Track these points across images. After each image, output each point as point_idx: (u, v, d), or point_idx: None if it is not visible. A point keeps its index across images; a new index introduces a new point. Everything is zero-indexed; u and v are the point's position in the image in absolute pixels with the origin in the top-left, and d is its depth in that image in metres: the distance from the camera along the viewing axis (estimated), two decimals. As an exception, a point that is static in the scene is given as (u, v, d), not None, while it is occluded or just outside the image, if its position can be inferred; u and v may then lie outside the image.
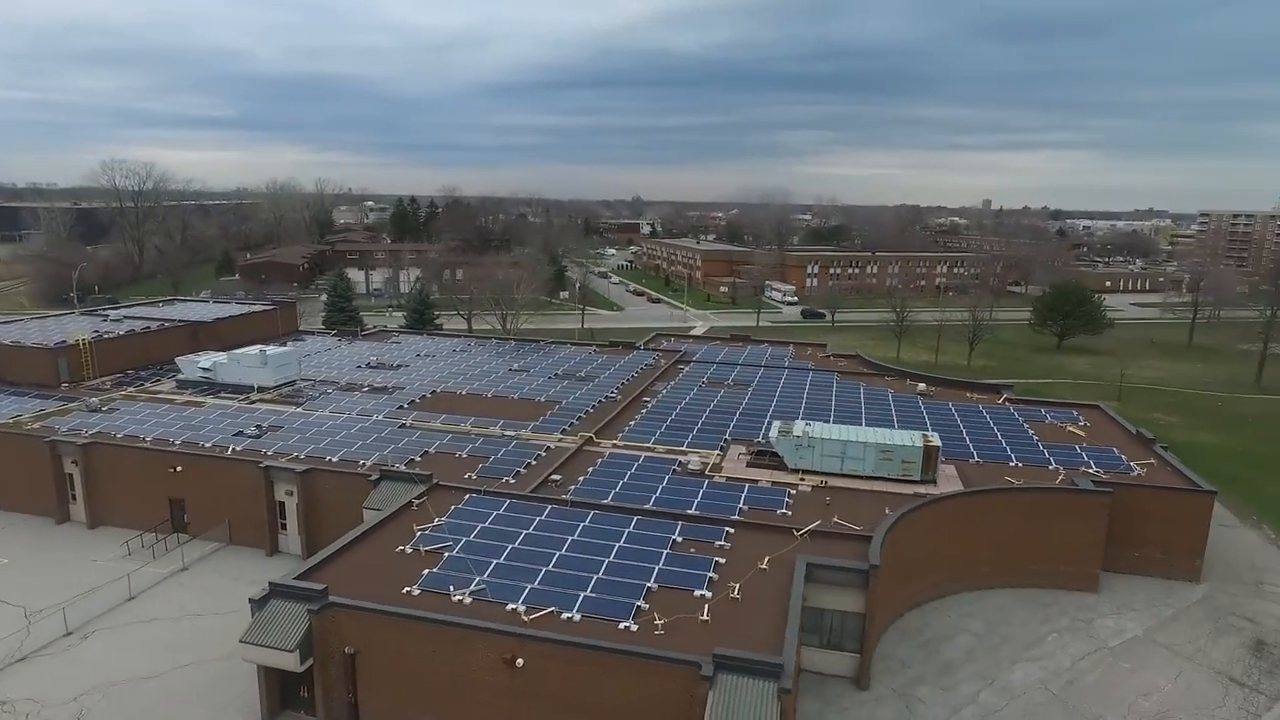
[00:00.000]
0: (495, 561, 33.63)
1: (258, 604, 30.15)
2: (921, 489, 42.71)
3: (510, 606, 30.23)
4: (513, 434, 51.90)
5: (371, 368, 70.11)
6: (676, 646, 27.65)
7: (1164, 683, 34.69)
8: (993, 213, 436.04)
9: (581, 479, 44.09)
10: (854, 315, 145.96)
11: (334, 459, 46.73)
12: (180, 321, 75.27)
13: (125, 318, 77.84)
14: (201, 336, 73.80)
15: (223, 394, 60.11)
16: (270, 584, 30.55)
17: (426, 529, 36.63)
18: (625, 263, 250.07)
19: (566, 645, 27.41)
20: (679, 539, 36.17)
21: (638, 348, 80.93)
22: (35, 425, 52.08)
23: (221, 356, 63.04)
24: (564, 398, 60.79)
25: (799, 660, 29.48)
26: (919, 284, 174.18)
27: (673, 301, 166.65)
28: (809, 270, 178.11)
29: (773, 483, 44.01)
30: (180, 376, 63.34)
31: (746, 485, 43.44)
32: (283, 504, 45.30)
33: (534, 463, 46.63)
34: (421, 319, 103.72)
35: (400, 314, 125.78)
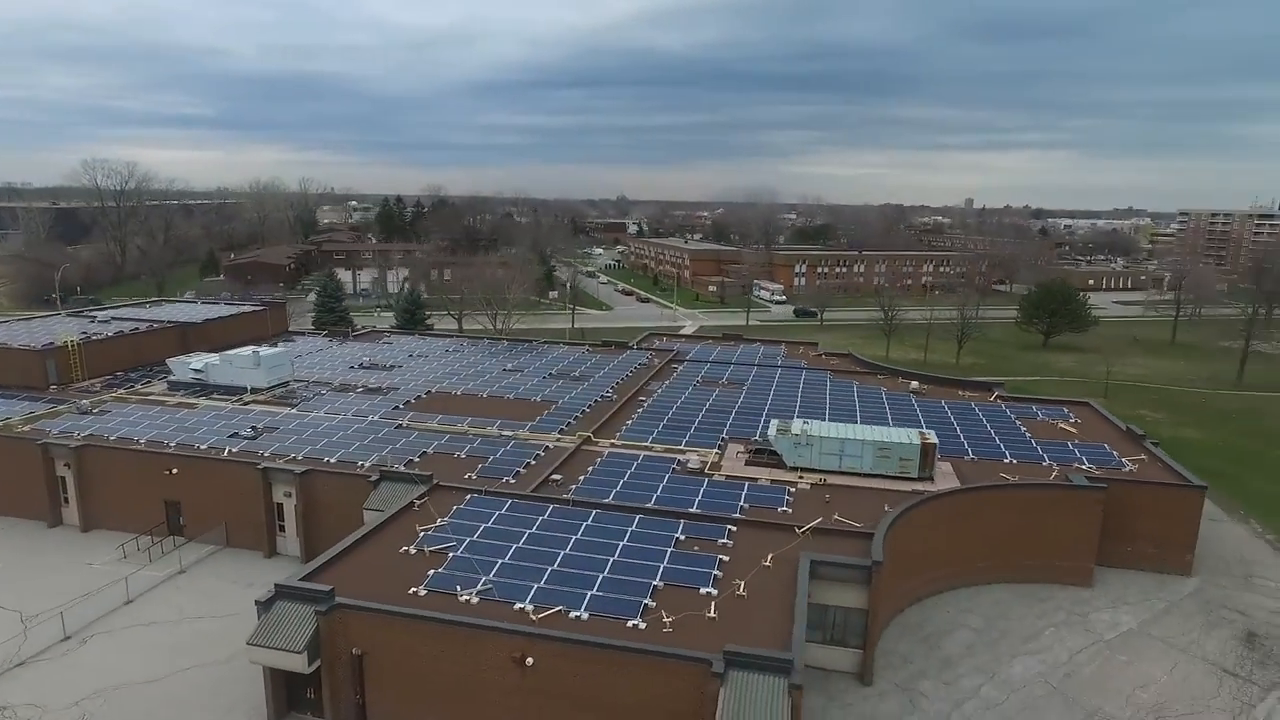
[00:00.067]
0: (500, 561, 33.66)
1: (264, 606, 30.03)
2: (919, 486, 43.15)
3: (518, 606, 30.28)
4: (510, 434, 51.89)
5: (364, 368, 69.80)
6: (685, 644, 27.82)
7: (1160, 674, 35.27)
8: (975, 212, 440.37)
9: (582, 478, 44.17)
10: (842, 314, 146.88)
11: (332, 460, 46.53)
12: (169, 322, 74.58)
13: (113, 319, 77.00)
14: (191, 338, 73.18)
15: (215, 395, 59.65)
16: (276, 585, 30.43)
17: (430, 529, 36.59)
18: (612, 262, 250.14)
19: (578, 644, 27.51)
20: (682, 537, 36.35)
21: (631, 347, 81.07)
22: (26, 428, 51.45)
23: (214, 357, 62.55)
24: (560, 397, 60.81)
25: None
26: (905, 283, 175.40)
27: (662, 301, 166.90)
28: (796, 269, 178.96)
29: (772, 481, 44.30)
30: (171, 378, 62.77)
31: (746, 483, 43.70)
32: (281, 505, 45.05)
33: (533, 462, 46.65)
34: (413, 319, 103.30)
35: (389, 314, 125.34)
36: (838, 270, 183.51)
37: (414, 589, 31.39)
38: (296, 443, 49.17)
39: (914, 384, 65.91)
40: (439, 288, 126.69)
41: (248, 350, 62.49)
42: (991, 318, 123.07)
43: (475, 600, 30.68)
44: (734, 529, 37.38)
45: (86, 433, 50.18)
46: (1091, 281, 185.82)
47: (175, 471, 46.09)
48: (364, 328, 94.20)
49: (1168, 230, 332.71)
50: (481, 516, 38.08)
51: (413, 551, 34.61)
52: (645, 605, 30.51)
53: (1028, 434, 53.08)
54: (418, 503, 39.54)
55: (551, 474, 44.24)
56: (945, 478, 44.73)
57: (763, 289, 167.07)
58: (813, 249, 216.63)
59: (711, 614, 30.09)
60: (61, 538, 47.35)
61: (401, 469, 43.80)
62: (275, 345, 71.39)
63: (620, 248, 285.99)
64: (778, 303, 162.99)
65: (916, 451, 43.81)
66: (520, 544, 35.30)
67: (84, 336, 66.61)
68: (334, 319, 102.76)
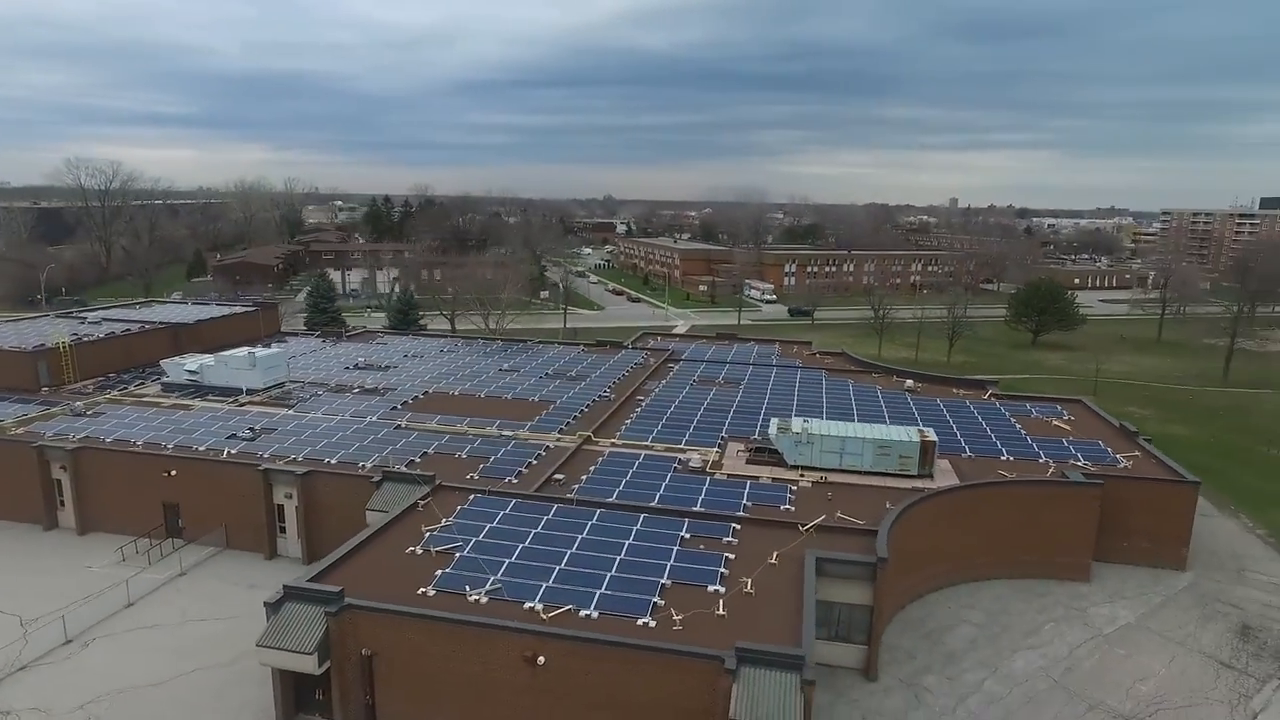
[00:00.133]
0: (507, 561, 33.71)
1: (272, 607, 29.94)
2: (919, 483, 43.56)
3: (528, 605, 30.35)
4: (510, 434, 51.89)
5: (360, 369, 69.53)
6: (696, 641, 28.01)
7: (1159, 667, 35.82)
8: (960, 211, 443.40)
9: (584, 478, 44.27)
10: (833, 313, 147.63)
11: (332, 461, 46.37)
12: (161, 323, 73.96)
13: (103, 320, 76.30)
14: (183, 339, 72.60)
15: (210, 397, 59.23)
16: (285, 587, 30.34)
17: (435, 529, 36.58)
18: (601, 262, 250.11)
19: (590, 642, 27.64)
20: (687, 536, 36.51)
21: (626, 346, 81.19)
22: (19, 430, 50.92)
23: (208, 358, 62.13)
24: (558, 397, 60.85)
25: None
26: (894, 282, 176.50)
27: (653, 300, 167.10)
28: (786, 269, 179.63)
29: (773, 479, 44.58)
30: (165, 379, 62.30)
31: (748, 482, 43.95)
32: (281, 507, 44.85)
33: (534, 462, 46.69)
34: (406, 319, 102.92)
35: (380, 315, 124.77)
36: (827, 270, 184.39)
37: (422, 589, 31.38)
38: (296, 444, 48.95)
39: (909, 382, 66.43)
40: (431, 288, 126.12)
41: (243, 351, 62.13)
42: (980, 316, 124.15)
43: (484, 600, 30.72)
44: (738, 527, 37.60)
45: (82, 435, 49.72)
46: (1077, 280, 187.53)
47: (174, 473, 45.79)
48: (356, 328, 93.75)
49: (1150, 229, 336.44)
50: (486, 516, 38.09)
51: (419, 552, 34.58)
52: (654, 603, 30.66)
53: (1023, 431, 53.66)
54: (421, 503, 39.48)
55: (554, 473, 44.31)
56: (944, 475, 45.17)
57: (753, 288, 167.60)
58: (802, 249, 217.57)
59: (720, 612, 30.29)
60: (58, 541, 46.91)
61: (403, 469, 43.71)
62: (268, 346, 71.00)
63: (609, 247, 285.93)
64: (768, 302, 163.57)
65: (916, 449, 44.22)
66: (526, 543, 35.35)
67: (75, 338, 65.96)
68: (326, 319, 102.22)
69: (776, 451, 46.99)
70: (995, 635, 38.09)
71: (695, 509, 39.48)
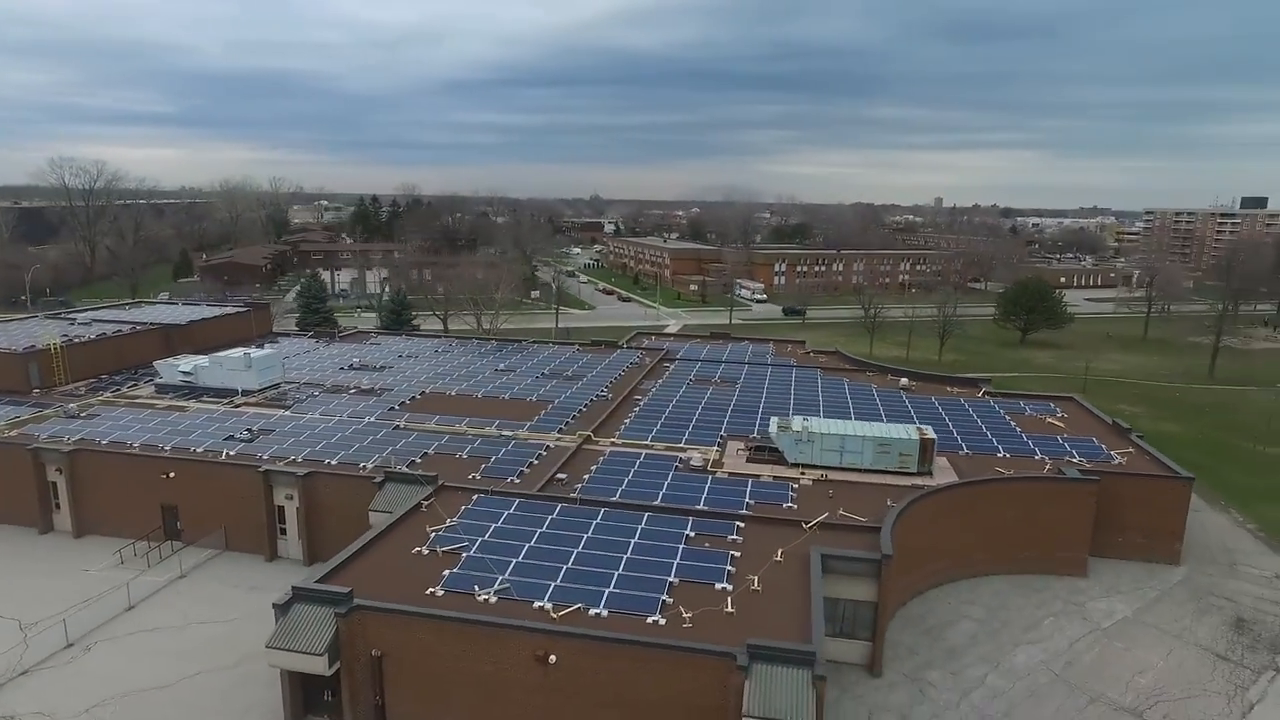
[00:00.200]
0: (514, 561, 33.75)
1: (281, 609, 29.85)
2: (918, 481, 43.96)
3: (537, 604, 30.42)
4: (510, 434, 51.88)
5: (355, 369, 69.24)
6: (706, 638, 28.18)
7: (1157, 660, 36.36)
8: (946, 211, 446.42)
9: (586, 477, 44.37)
10: (824, 312, 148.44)
11: (332, 462, 46.21)
12: (152, 324, 73.35)
13: (93, 320, 75.59)
14: (175, 340, 72.08)
15: (205, 398, 58.85)
16: (294, 588, 30.28)
17: (440, 530, 36.57)
18: (591, 261, 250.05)
19: (602, 640, 27.76)
20: (692, 534, 36.69)
21: (621, 346, 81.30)
22: (12, 433, 50.39)
23: (203, 360, 61.71)
24: (555, 397, 60.88)
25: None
26: (883, 281, 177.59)
27: (643, 300, 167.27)
28: (776, 268, 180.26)
29: (774, 477, 44.84)
30: (159, 380, 61.81)
31: (750, 480, 44.20)
32: (282, 508, 44.66)
33: (536, 462, 46.73)
34: (399, 319, 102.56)
35: (370, 315, 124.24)
36: (817, 269, 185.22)
37: (431, 589, 31.37)
38: (294, 445, 48.74)
39: (904, 381, 66.94)
40: (422, 288, 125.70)
41: (239, 352, 61.71)
42: (969, 315, 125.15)
43: (493, 600, 30.76)
44: (742, 525, 37.83)
45: (77, 437, 49.27)
46: (1063, 279, 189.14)
47: (172, 475, 45.48)
48: (348, 329, 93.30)
49: (1133, 229, 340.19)
50: (491, 516, 38.11)
51: (425, 552, 34.57)
52: (663, 601, 30.82)
53: (1017, 429, 54.22)
54: (425, 504, 39.46)
55: (556, 473, 44.37)
56: (943, 472, 45.60)
57: (743, 288, 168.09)
58: (792, 248, 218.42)
59: (729, 609, 30.48)
60: (54, 544, 46.48)
61: (405, 470, 43.61)
62: (261, 347, 70.58)
63: (597, 247, 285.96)
64: (759, 301, 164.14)
65: (916, 447, 44.62)
66: (532, 543, 35.41)
67: (66, 339, 65.33)
68: (318, 320, 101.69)
69: (777, 450, 47.28)
70: (996, 630, 38.52)
71: (699, 507, 39.69)
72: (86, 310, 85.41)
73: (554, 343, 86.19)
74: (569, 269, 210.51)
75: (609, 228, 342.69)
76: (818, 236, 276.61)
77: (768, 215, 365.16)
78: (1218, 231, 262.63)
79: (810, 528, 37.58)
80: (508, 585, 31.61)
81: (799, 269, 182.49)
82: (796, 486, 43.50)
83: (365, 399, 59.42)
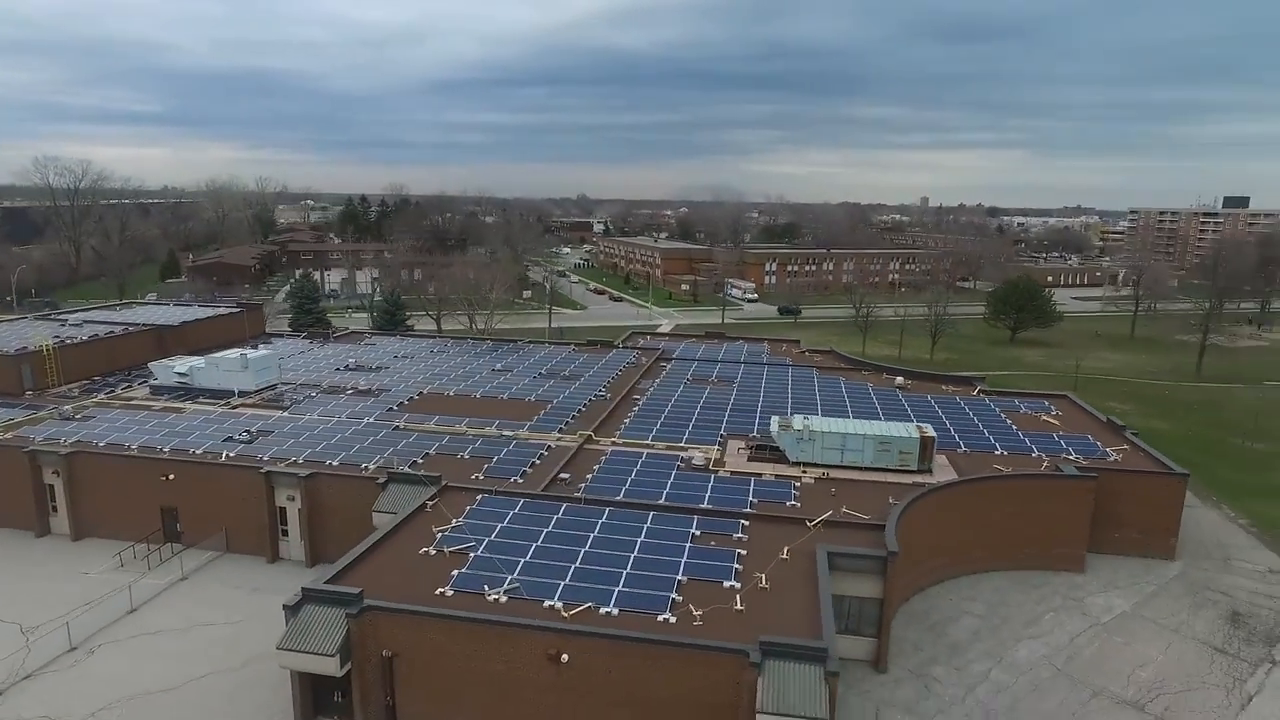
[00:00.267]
0: (522, 560, 33.82)
1: (291, 610, 29.79)
2: (919, 478, 44.35)
3: (547, 604, 30.51)
4: (511, 434, 51.89)
5: (351, 370, 68.99)
6: (717, 636, 28.37)
7: (1156, 654, 36.89)
8: (933, 210, 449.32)
9: (589, 477, 44.47)
10: (815, 311, 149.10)
11: (333, 463, 46.06)
12: (145, 325, 72.77)
13: (84, 322, 74.90)
14: (168, 341, 71.53)
15: (202, 399, 58.49)
16: (304, 589, 30.21)
17: (446, 530, 36.57)
18: (581, 261, 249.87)
19: (615, 639, 27.88)
20: (697, 532, 36.86)
21: (616, 346, 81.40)
22: (7, 435, 49.90)
23: (199, 361, 61.33)
24: (554, 397, 60.92)
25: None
26: (873, 280, 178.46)
27: (635, 300, 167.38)
28: (767, 268, 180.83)
29: (776, 475, 45.11)
30: (154, 382, 61.35)
31: (752, 479, 44.45)
32: (284, 510, 44.48)
33: (538, 462, 46.79)
34: (393, 320, 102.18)
35: (361, 315, 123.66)
36: (807, 269, 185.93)
37: (440, 590, 31.38)
38: (294, 446, 48.55)
39: (899, 379, 67.40)
40: (415, 288, 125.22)
41: (235, 353, 61.35)
42: (960, 314, 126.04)
43: (504, 599, 30.81)
44: (746, 523, 38.04)
45: (73, 439, 48.85)
46: (1050, 278, 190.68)
47: (172, 477, 45.18)
48: (341, 329, 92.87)
49: (1117, 228, 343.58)
50: (496, 516, 38.14)
51: (433, 553, 34.56)
52: (673, 600, 30.98)
53: (1013, 426, 54.77)
54: (429, 504, 39.44)
55: (559, 473, 44.44)
56: (942, 470, 46.03)
57: (734, 287, 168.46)
58: (782, 248, 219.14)
59: (739, 606, 30.68)
60: (51, 547, 46.08)
61: (408, 471, 43.54)
62: (255, 348, 70.16)
63: (587, 247, 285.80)
64: (750, 301, 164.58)
65: (916, 445, 45.01)
66: (539, 543, 35.48)
67: (57, 340, 64.70)
68: (311, 320, 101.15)
69: (777, 448, 47.56)
70: (997, 626, 38.95)
71: (703, 506, 39.88)
72: (76, 311, 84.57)
73: (549, 343, 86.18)
74: (559, 269, 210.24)
75: (598, 227, 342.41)
76: (806, 236, 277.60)
77: (755, 215, 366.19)
78: (1201, 231, 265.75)
79: (814, 525, 37.85)
80: (517, 585, 31.67)
81: (789, 269, 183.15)
82: (799, 485, 43.78)
83: (363, 400, 59.24)
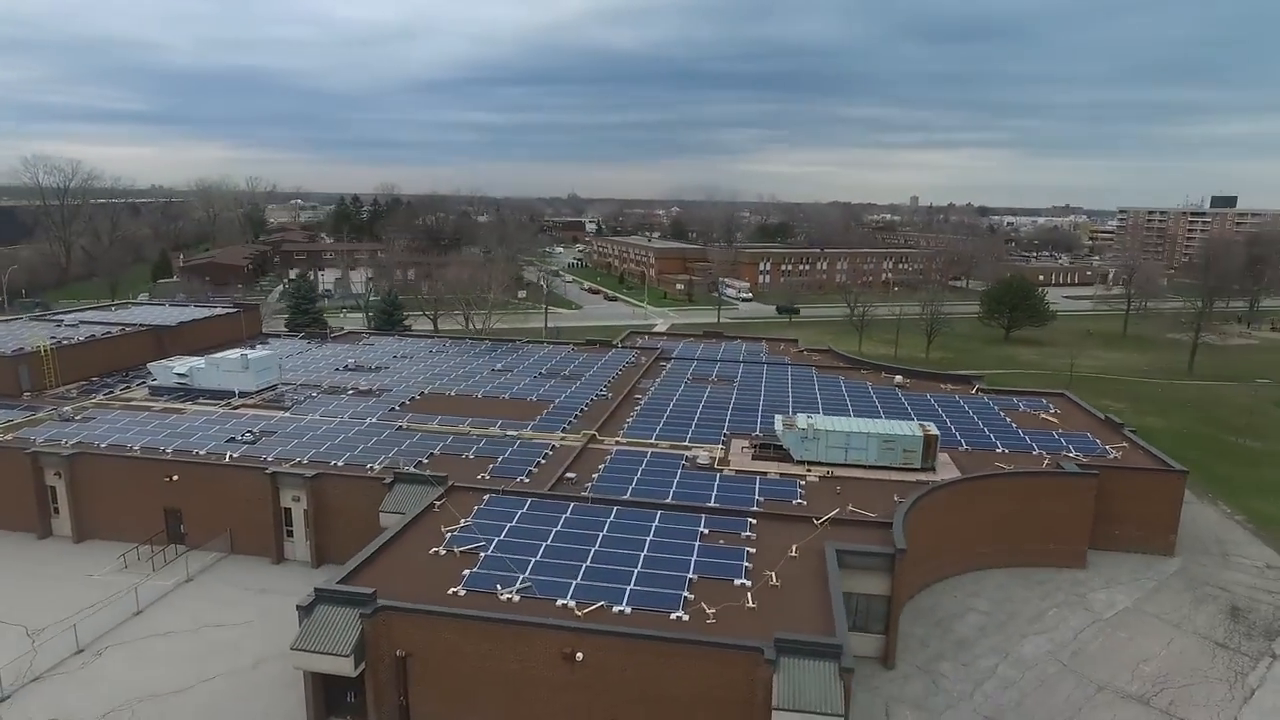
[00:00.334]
0: (533, 560, 33.91)
1: (305, 610, 29.79)
2: (922, 476, 44.68)
3: (560, 603, 30.62)
4: (514, 434, 51.92)
5: (350, 370, 68.83)
6: (731, 633, 28.57)
7: (1159, 649, 37.33)
8: (924, 210, 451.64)
9: (595, 476, 44.58)
10: (810, 310, 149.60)
11: (338, 463, 46.00)
12: (143, 326, 72.36)
13: (80, 322, 74.42)
14: (166, 341, 71.18)
15: (202, 400, 58.25)
16: (317, 589, 30.21)
17: (455, 530, 36.62)
18: (574, 261, 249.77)
19: (630, 637, 28.03)
20: (706, 531, 37.05)
21: (615, 345, 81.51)
22: (7, 437, 49.58)
23: (199, 361, 61.08)
24: (555, 396, 60.98)
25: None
26: (866, 280, 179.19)
27: (630, 299, 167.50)
28: (761, 267, 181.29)
29: (781, 474, 45.36)
30: (153, 382, 61.04)
31: (757, 478, 44.67)
32: (289, 510, 44.40)
33: (543, 461, 46.88)
34: (390, 320, 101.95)
35: (356, 315, 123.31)
36: (801, 268, 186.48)
37: (452, 590, 31.44)
38: (298, 446, 48.44)
39: (898, 378, 67.79)
40: (411, 288, 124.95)
41: (236, 353, 61.12)
42: (954, 313, 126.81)
43: (516, 599, 30.90)
44: (754, 522, 38.25)
45: (74, 440, 48.59)
46: (1041, 277, 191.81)
47: (176, 478, 45.01)
48: (339, 329, 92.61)
49: (1106, 227, 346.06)
50: (504, 516, 38.22)
51: (443, 553, 34.61)
52: (685, 598, 31.14)
53: (1013, 424, 55.20)
54: (437, 504, 39.47)
55: (565, 472, 44.54)
56: (945, 468, 46.37)
57: (729, 287, 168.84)
58: (776, 247, 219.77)
59: (750, 604, 30.88)
60: (54, 549, 45.82)
61: (415, 471, 43.53)
62: (253, 348, 69.88)
63: (580, 246, 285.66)
64: (744, 300, 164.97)
65: (920, 443, 45.35)
66: (549, 542, 35.59)
67: (54, 341, 64.28)
68: (308, 320, 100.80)
69: (781, 447, 47.79)
70: (1003, 622, 39.31)
71: (711, 505, 40.08)
72: (71, 312, 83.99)
73: (548, 342, 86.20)
74: (553, 268, 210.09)
75: (590, 227, 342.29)
76: (799, 235, 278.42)
77: (747, 215, 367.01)
78: (1189, 230, 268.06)
79: (822, 523, 38.10)
80: (529, 584, 31.76)
81: (783, 268, 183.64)
82: (804, 483, 44.03)
83: (364, 400, 59.14)
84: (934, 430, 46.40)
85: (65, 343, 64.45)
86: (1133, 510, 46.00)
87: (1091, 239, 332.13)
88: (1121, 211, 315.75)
